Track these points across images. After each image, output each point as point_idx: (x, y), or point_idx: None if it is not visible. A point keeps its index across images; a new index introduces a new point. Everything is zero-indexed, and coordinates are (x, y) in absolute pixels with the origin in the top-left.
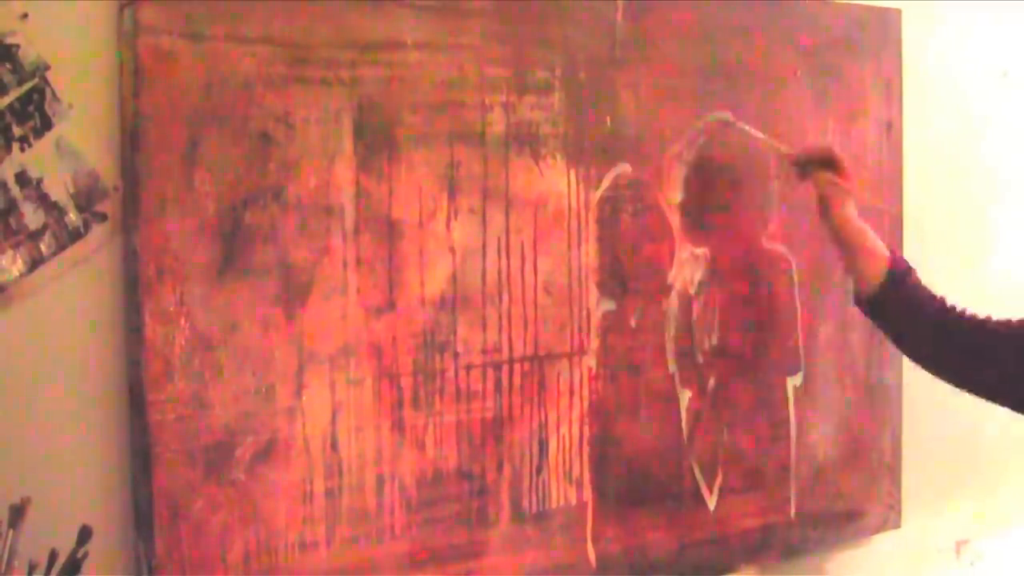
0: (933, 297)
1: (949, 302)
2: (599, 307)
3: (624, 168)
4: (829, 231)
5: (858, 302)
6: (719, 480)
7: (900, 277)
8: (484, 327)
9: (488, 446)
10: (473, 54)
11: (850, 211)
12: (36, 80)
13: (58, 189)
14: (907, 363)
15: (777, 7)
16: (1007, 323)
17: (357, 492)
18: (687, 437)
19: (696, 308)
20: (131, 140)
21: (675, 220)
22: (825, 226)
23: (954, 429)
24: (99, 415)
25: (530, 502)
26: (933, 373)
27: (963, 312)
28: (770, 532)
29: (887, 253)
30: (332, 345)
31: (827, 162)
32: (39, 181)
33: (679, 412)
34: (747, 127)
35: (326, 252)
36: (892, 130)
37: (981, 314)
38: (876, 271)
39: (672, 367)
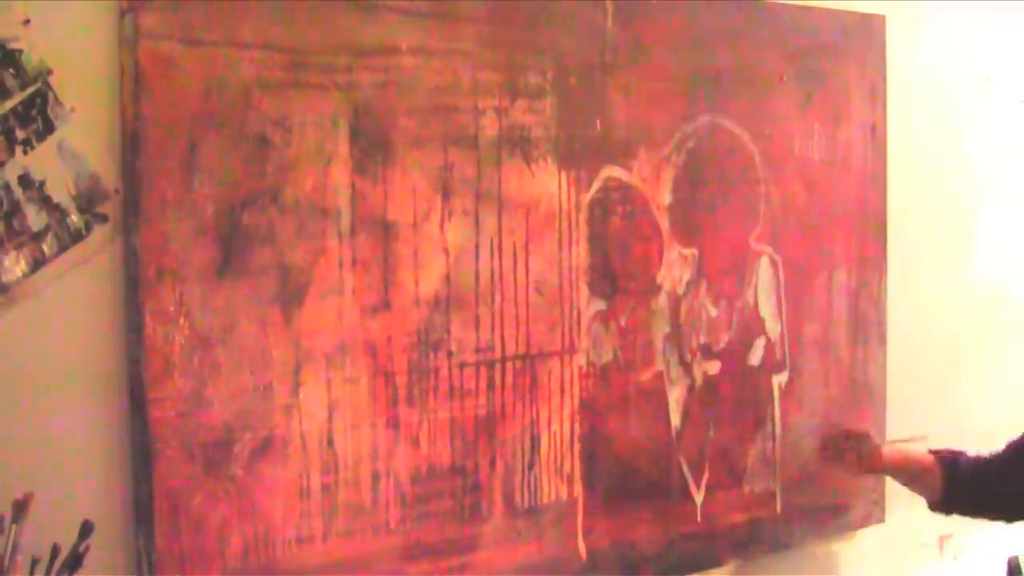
0: (982, 463)
1: (985, 453)
2: (589, 306)
3: (614, 170)
4: (885, 473)
5: (934, 509)
6: (707, 476)
7: (952, 472)
8: (477, 326)
9: (481, 443)
10: (466, 59)
11: (886, 453)
12: (39, 84)
13: (60, 191)
14: (891, 361)
15: (764, 12)
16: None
17: (353, 488)
18: (675, 434)
19: (684, 307)
20: (132, 143)
21: (664, 221)
22: (876, 475)
23: (937, 426)
24: (100, 412)
25: (522, 497)
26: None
27: (999, 457)
28: (756, 527)
29: (932, 459)
30: (328, 344)
31: (851, 438)
32: (42, 183)
33: (668, 409)
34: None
35: (322, 253)
36: (876, 133)
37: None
38: (935, 482)
39: (661, 365)
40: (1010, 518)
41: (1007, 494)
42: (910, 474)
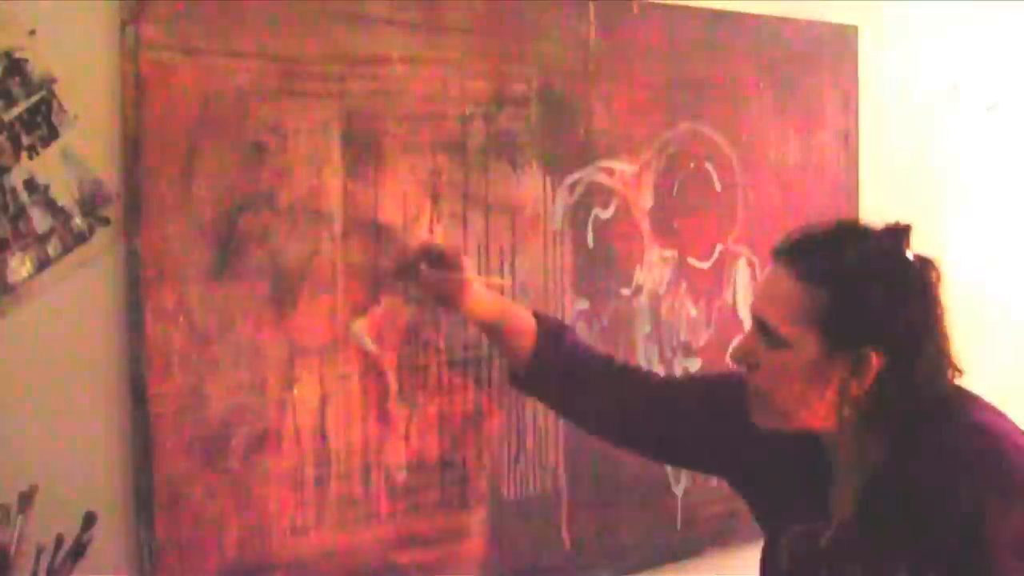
0: (596, 354)
1: (618, 360)
2: (573, 306)
3: (597, 175)
4: (468, 321)
5: (514, 381)
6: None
7: (554, 340)
8: (465, 325)
9: (469, 437)
10: (455, 69)
11: (477, 296)
12: (43, 92)
13: (64, 195)
14: None
15: (741, 24)
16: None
17: (345, 480)
18: None
19: (665, 307)
20: (133, 149)
21: (645, 224)
22: (460, 318)
23: None
24: (103, 408)
25: (508, 489)
26: (595, 432)
27: (633, 367)
28: (735, 517)
29: (532, 320)
30: (322, 342)
31: (430, 259)
32: (46, 187)
33: None
34: None
35: (316, 254)
36: (849, 140)
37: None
38: (527, 341)
39: (642, 362)
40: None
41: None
42: (502, 330)
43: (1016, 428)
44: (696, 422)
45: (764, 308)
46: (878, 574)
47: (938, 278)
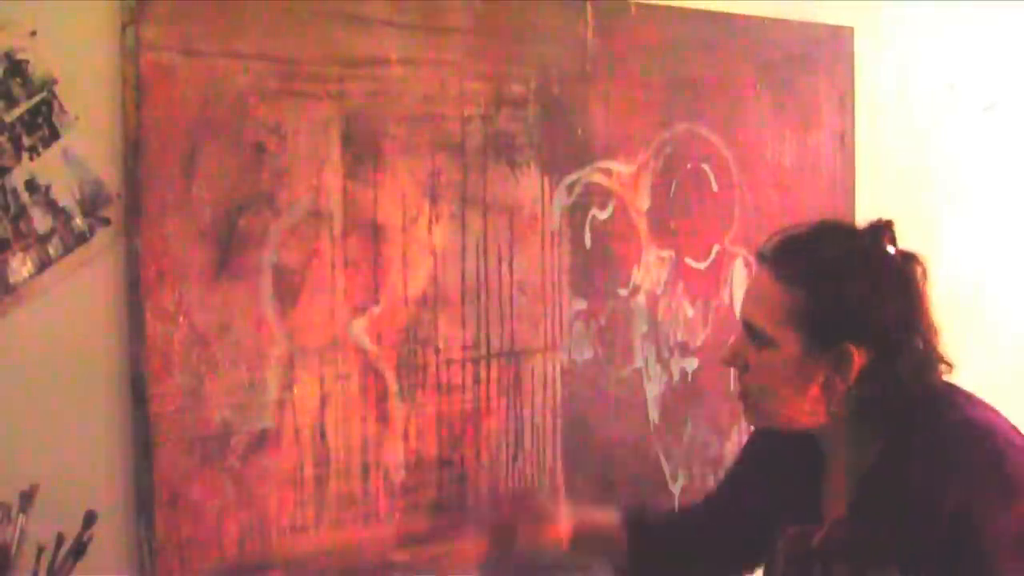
0: (668, 517)
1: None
2: (571, 306)
3: (594, 176)
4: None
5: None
6: (683, 467)
7: (637, 528)
8: (463, 324)
9: (467, 436)
10: (453, 69)
11: (565, 529)
12: (45, 93)
13: (65, 195)
14: None
15: (737, 25)
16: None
17: (344, 478)
18: (653, 427)
19: (662, 307)
20: (133, 150)
21: (642, 224)
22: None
23: None
24: (103, 407)
25: (506, 488)
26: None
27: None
28: None
29: (615, 517)
30: (321, 341)
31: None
32: (47, 188)
33: (646, 403)
34: None
35: (315, 254)
36: (845, 140)
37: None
38: (616, 537)
39: (639, 362)
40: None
41: (705, 545)
42: (594, 540)
43: (1008, 423)
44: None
45: (750, 310)
46: (869, 573)
47: (923, 273)
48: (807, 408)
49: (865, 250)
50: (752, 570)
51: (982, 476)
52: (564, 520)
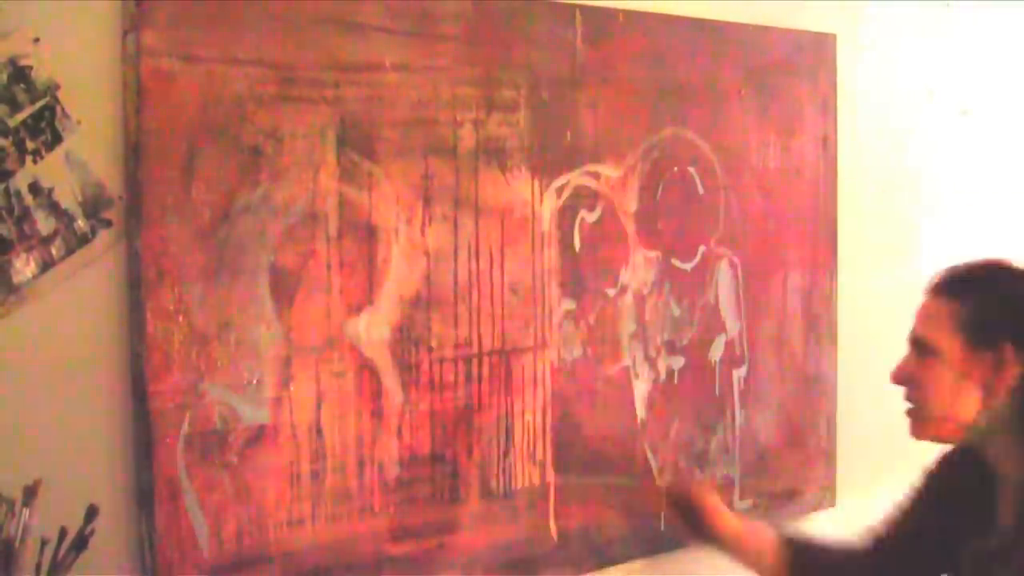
0: (834, 551)
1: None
2: (560, 305)
3: (583, 179)
4: (718, 546)
5: None
6: (670, 463)
7: (797, 545)
8: (456, 324)
9: (459, 432)
10: (446, 75)
11: (728, 517)
12: (47, 98)
13: (67, 198)
14: (841, 357)
15: (723, 32)
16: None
17: (340, 474)
18: (641, 424)
19: (649, 306)
20: (134, 153)
21: (630, 226)
22: (709, 545)
23: (885, 416)
24: (105, 404)
25: (497, 482)
26: None
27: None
28: None
29: (775, 537)
30: (317, 340)
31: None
32: (50, 190)
33: (633, 401)
34: None
35: (311, 255)
36: (828, 144)
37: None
38: (769, 557)
39: (627, 360)
40: None
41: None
42: (745, 550)
43: None
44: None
45: (916, 327)
46: None
47: None
48: (969, 413)
49: (1021, 270)
50: None
51: None
52: (726, 517)
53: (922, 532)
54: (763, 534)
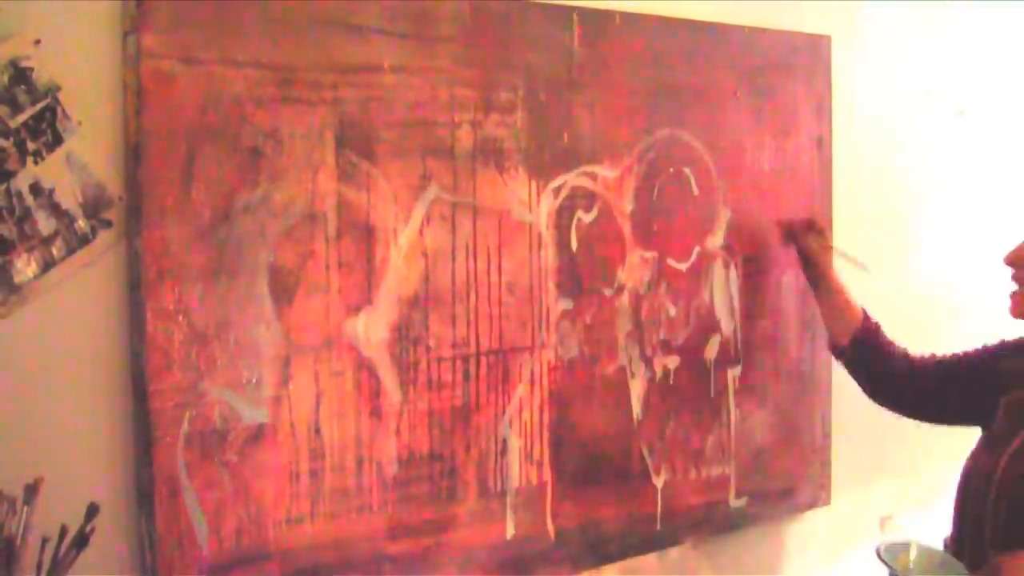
0: (896, 350)
1: (911, 352)
2: (557, 305)
3: (580, 179)
4: (813, 286)
5: (833, 350)
6: (665, 462)
7: (871, 332)
8: (454, 323)
9: (457, 431)
10: (444, 77)
11: (833, 270)
12: (48, 100)
13: (68, 198)
14: None
15: (719, 34)
16: (944, 359)
17: (338, 472)
18: (637, 423)
19: (645, 306)
20: (134, 154)
21: (626, 226)
22: (810, 281)
23: (879, 415)
24: (105, 403)
25: (495, 481)
26: (897, 412)
27: (921, 358)
28: (712, 508)
29: (860, 310)
30: (316, 340)
31: (811, 227)
32: (51, 191)
33: (630, 400)
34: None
35: (310, 255)
36: (823, 145)
37: (928, 354)
38: (851, 325)
39: (623, 360)
40: (893, 405)
41: (907, 387)
42: (835, 305)
43: None
44: (966, 387)
45: None
46: None
47: None
48: None
49: None
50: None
51: None
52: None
53: (980, 373)
54: (853, 302)
